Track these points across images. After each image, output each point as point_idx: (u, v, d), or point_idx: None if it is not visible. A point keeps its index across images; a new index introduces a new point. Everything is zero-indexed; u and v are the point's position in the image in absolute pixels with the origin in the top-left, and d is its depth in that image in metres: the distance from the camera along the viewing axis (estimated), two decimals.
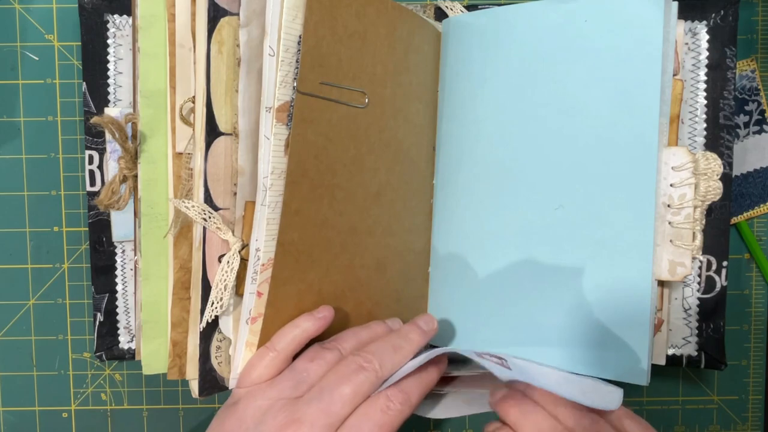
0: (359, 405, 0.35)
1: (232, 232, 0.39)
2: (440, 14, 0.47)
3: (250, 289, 0.38)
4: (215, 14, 0.38)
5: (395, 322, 0.42)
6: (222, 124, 0.39)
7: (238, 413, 0.36)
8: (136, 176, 0.43)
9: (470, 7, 0.47)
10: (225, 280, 0.38)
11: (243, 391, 0.37)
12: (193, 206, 0.39)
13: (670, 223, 0.40)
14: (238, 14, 0.37)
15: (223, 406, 0.38)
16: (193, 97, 0.40)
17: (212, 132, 0.38)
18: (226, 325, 0.40)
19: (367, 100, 0.40)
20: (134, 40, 0.42)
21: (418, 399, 0.37)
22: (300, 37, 0.36)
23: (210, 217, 0.39)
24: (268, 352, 0.38)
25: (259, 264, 0.38)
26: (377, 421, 0.35)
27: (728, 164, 0.44)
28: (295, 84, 0.36)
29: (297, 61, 0.36)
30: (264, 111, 0.37)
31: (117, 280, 0.47)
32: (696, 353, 0.46)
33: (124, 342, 0.48)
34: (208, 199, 0.39)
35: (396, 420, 0.35)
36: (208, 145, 0.38)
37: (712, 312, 0.45)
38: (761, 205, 0.49)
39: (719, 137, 0.44)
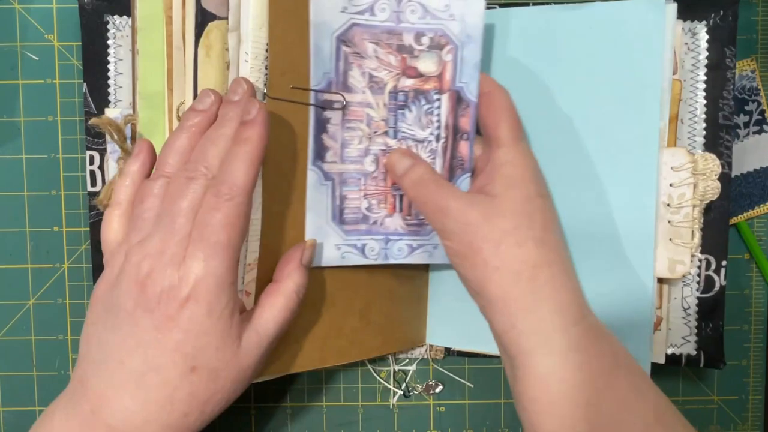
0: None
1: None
2: None
3: (238, 287, 0.38)
4: (203, 19, 0.38)
5: (203, 100, 0.37)
6: None
7: (104, 278, 0.35)
8: None
9: None
10: None
11: (106, 258, 0.36)
12: None
13: (669, 221, 0.41)
14: (226, 18, 0.38)
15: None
16: None
17: None
18: None
19: (345, 102, 0.40)
20: (133, 42, 0.43)
21: (245, 178, 0.34)
22: (268, 44, 0.37)
23: None
24: (113, 210, 0.37)
25: (245, 263, 0.38)
26: (214, 222, 0.33)
27: (727, 164, 0.44)
28: (265, 90, 0.37)
29: (266, 68, 0.37)
30: None
31: None
32: (695, 352, 0.46)
33: None
34: None
35: (232, 211, 0.33)
36: None
37: (711, 311, 0.45)
38: (761, 205, 0.49)
39: (719, 137, 0.44)
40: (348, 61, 0.39)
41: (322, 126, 0.39)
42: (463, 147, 0.42)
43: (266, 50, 0.37)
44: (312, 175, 0.39)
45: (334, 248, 0.41)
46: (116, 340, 0.34)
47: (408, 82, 0.41)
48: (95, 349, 0.34)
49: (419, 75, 0.41)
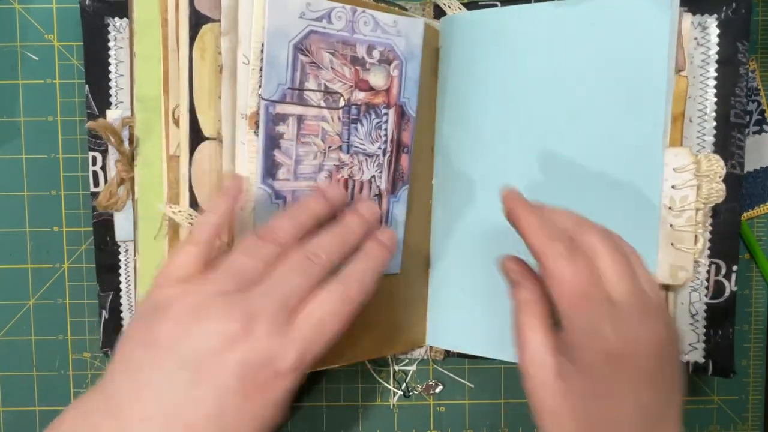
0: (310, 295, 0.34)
1: (219, 236, 0.39)
2: (439, 12, 0.47)
3: None
4: (197, 21, 0.38)
5: (333, 190, 0.38)
6: (206, 130, 0.39)
7: (171, 315, 0.32)
8: (133, 178, 0.43)
9: (469, 5, 0.47)
10: None
11: (169, 292, 0.33)
12: (179, 211, 0.39)
13: (671, 225, 0.40)
14: (219, 21, 0.38)
15: (141, 312, 0.34)
16: None
17: (196, 137, 0.39)
18: None
19: (342, 102, 0.40)
20: (131, 45, 0.43)
21: (369, 289, 0.35)
22: (263, 45, 0.36)
23: None
24: (189, 246, 0.34)
25: None
26: (332, 309, 0.33)
27: (739, 164, 0.42)
28: (260, 92, 0.37)
29: (261, 69, 0.37)
30: (240, 117, 0.37)
31: (121, 278, 0.48)
32: (703, 360, 0.44)
33: None
34: (194, 204, 0.39)
35: (352, 310, 0.34)
36: (192, 150, 0.39)
37: (720, 318, 0.43)
38: (761, 205, 0.49)
39: (730, 136, 0.42)
40: (305, 71, 0.38)
41: (274, 142, 0.38)
42: (404, 160, 0.43)
43: (262, 51, 0.37)
44: (261, 194, 0.38)
45: None
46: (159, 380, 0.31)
47: (360, 96, 0.41)
48: (129, 381, 0.32)
49: (370, 88, 0.41)
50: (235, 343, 0.31)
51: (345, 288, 0.34)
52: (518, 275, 0.37)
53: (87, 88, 0.46)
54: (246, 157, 0.37)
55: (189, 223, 0.39)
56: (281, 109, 0.38)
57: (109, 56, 0.46)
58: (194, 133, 0.39)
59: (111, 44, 0.46)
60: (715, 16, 0.42)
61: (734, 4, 0.42)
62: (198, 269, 0.34)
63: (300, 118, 0.39)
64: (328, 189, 0.38)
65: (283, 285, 0.33)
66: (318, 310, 0.33)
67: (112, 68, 0.46)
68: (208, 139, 0.39)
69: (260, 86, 0.37)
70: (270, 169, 0.38)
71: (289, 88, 0.38)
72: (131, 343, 0.33)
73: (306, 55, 0.38)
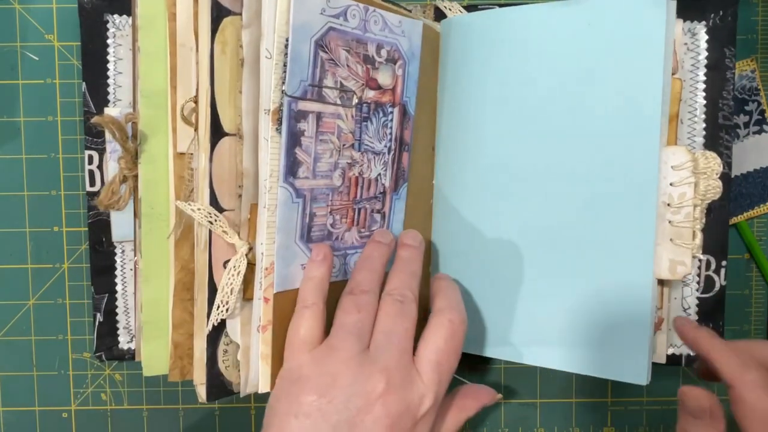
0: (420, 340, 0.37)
1: (238, 234, 0.39)
2: (440, 15, 0.47)
3: (258, 295, 0.38)
4: (218, 14, 0.37)
5: (384, 236, 0.42)
6: (226, 125, 0.38)
7: (312, 387, 0.35)
8: (136, 176, 0.43)
9: (469, 8, 0.47)
10: (231, 283, 0.38)
11: (302, 361, 0.36)
12: (198, 209, 0.38)
13: (670, 222, 0.41)
14: (240, 14, 0.37)
15: (282, 385, 0.36)
16: (195, 97, 0.40)
17: (216, 133, 0.38)
18: (233, 329, 0.40)
19: (356, 101, 0.40)
20: (134, 40, 0.42)
21: (464, 308, 0.39)
22: (287, 40, 0.36)
23: (216, 220, 0.38)
24: (304, 310, 0.37)
25: (262, 267, 0.37)
26: (445, 347, 0.37)
27: (727, 164, 0.44)
28: (283, 87, 0.37)
29: (285, 65, 0.36)
30: (263, 113, 0.37)
31: (117, 280, 0.47)
32: (695, 353, 0.45)
33: (123, 342, 0.48)
34: (214, 201, 0.39)
35: (461, 338, 0.38)
36: (213, 146, 0.38)
37: (711, 311, 0.45)
38: (761, 205, 0.49)
39: (718, 137, 0.44)
40: (324, 68, 0.38)
41: (296, 139, 0.38)
42: (405, 158, 0.43)
43: (286, 46, 0.36)
44: (283, 193, 0.38)
45: (300, 268, 0.39)
46: None
47: (370, 94, 0.41)
48: None
49: (378, 87, 0.41)
50: (378, 400, 0.34)
51: (447, 320, 0.38)
52: (705, 412, 0.37)
53: (84, 85, 0.46)
54: (269, 154, 0.37)
55: (209, 221, 0.38)
56: (302, 106, 0.37)
57: (107, 54, 0.46)
58: (214, 128, 0.38)
59: (110, 41, 0.46)
60: (704, 23, 0.44)
61: (721, 12, 0.43)
62: (320, 330, 0.37)
63: (319, 116, 0.38)
64: (379, 235, 0.42)
65: (396, 333, 0.36)
66: (433, 352, 0.37)
67: (110, 66, 0.46)
68: (228, 134, 0.38)
69: (284, 82, 0.36)
70: (291, 168, 0.38)
71: (309, 85, 0.37)
72: (284, 417, 0.35)
73: (326, 52, 0.38)
